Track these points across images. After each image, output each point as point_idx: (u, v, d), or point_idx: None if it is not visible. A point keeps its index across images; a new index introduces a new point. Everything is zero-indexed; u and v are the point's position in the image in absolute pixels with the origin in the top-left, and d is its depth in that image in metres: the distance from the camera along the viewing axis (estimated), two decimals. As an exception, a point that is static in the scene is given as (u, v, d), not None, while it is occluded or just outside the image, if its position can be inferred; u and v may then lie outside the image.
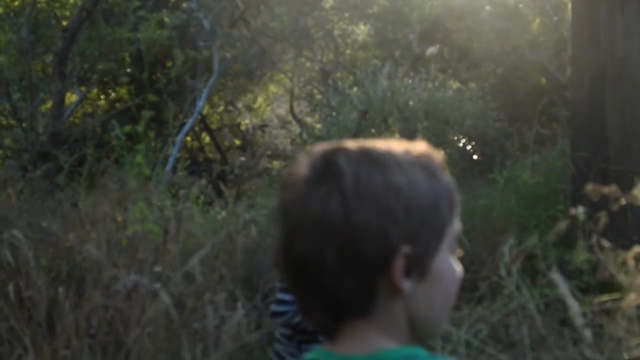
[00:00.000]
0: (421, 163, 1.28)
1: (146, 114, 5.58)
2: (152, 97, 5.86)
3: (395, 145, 1.29)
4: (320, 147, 1.30)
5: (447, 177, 1.30)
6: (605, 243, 1.68)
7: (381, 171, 1.23)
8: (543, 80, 12.04)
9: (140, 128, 5.49)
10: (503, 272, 2.60)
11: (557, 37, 11.17)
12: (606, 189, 1.80)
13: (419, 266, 1.24)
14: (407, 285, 1.23)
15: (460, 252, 1.32)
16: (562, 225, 1.95)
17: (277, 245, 1.30)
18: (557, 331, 2.22)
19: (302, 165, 1.28)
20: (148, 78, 12.28)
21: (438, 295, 1.28)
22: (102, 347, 3.64)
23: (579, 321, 1.48)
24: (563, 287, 1.51)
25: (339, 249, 1.20)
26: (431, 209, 1.25)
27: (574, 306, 1.48)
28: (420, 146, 1.31)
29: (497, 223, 6.92)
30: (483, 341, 2.19)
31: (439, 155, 1.32)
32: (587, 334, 1.51)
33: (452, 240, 1.30)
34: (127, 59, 12.73)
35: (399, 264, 1.21)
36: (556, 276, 1.55)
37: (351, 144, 1.28)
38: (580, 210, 1.91)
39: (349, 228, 1.20)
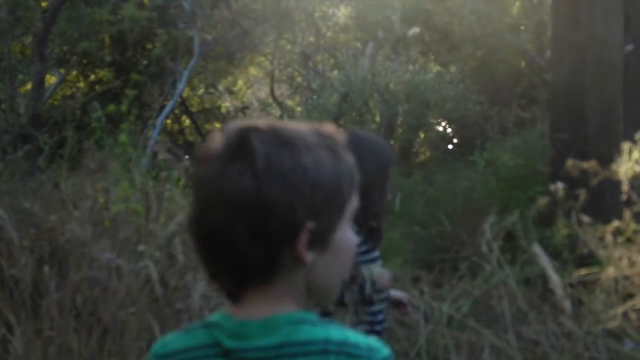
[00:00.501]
0: (327, 144, 1.37)
1: (130, 92, 5.57)
2: (136, 77, 5.83)
3: (303, 126, 1.39)
4: (234, 125, 1.38)
5: (348, 157, 1.40)
6: (585, 218, 1.72)
7: (290, 152, 1.32)
8: (523, 63, 12.09)
9: (123, 107, 5.47)
10: (485, 249, 2.63)
11: (537, 19, 11.21)
12: (586, 165, 1.83)
13: (320, 239, 1.34)
14: (309, 256, 1.33)
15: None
16: (542, 202, 1.99)
17: (190, 215, 1.37)
18: (537, 306, 2.27)
19: (216, 142, 1.36)
20: (129, 59, 12.25)
21: (336, 265, 1.40)
22: (86, 326, 3.65)
23: (559, 292, 1.52)
24: (544, 259, 1.55)
25: (249, 223, 1.29)
26: (334, 188, 1.35)
27: (555, 278, 1.52)
28: (326, 127, 1.42)
29: (477, 204, 6.97)
30: (465, 316, 2.23)
31: (342, 136, 1.42)
32: (567, 304, 1.55)
33: (351, 214, 1.41)
34: (107, 40, 12.66)
35: (303, 238, 1.31)
36: (537, 249, 1.58)
37: (262, 123, 1.37)
38: (559, 186, 1.95)
39: (260, 204, 1.29)
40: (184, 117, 15.97)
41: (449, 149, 11.62)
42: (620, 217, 2.05)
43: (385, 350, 1.37)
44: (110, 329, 3.56)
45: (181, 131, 15.75)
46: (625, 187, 1.78)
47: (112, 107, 5.70)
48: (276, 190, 1.30)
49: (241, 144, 1.33)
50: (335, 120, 11.08)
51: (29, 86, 10.95)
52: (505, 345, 2.01)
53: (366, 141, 3.00)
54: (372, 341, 1.38)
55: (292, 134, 1.36)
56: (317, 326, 1.35)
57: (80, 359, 3.56)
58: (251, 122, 1.37)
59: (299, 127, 1.39)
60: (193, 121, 15.51)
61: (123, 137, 5.61)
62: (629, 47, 5.83)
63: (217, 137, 1.37)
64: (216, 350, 1.35)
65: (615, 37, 5.92)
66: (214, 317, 1.39)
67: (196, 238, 1.37)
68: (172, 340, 1.44)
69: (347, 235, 1.40)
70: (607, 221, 2.13)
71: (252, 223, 1.30)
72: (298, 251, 1.31)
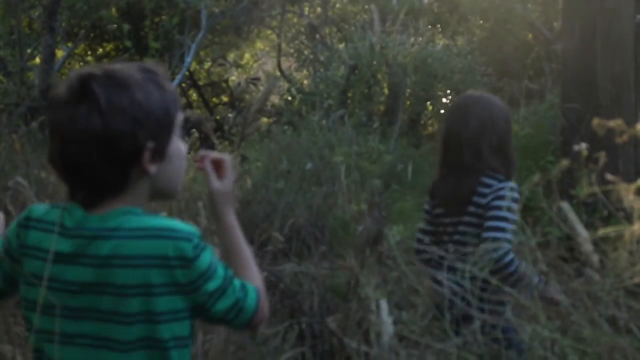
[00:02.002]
0: (152, 79, 1.73)
1: (149, 60, 5.56)
2: (154, 45, 5.82)
3: (130, 67, 1.74)
4: (74, 73, 1.71)
5: (170, 86, 1.77)
6: (609, 177, 1.75)
7: (126, 91, 1.68)
8: (530, 35, 12.07)
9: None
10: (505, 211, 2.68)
11: (546, -10, 11.19)
12: (612, 123, 1.86)
13: (159, 154, 1.73)
14: (152, 169, 1.72)
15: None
16: (564, 163, 2.02)
17: (51, 151, 1.71)
18: (558, 267, 2.30)
19: (62, 90, 1.70)
20: (136, 34, 12.24)
21: (173, 170, 1.79)
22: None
23: (587, 247, 1.56)
24: (571, 214, 1.59)
25: (102, 153, 1.65)
26: (163, 113, 1.73)
27: (583, 232, 1.56)
28: (149, 65, 1.78)
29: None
30: (488, 275, 2.27)
31: (163, 69, 1.79)
32: (595, 258, 1.59)
33: (179, 127, 1.79)
34: (115, 13, 12.66)
35: (146, 156, 1.69)
36: (565, 205, 1.62)
37: (98, 69, 1.71)
38: (583, 147, 1.99)
39: (109, 136, 1.65)
40: (191, 91, 15.97)
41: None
42: (632, 180, 2.08)
43: (198, 234, 1.71)
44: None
45: (189, 105, 15.76)
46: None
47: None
48: (119, 123, 1.65)
49: (84, 90, 1.66)
50: (344, 92, 11.09)
51: (37, 60, 10.97)
52: (528, 304, 2.05)
53: (491, 101, 3.23)
54: (191, 227, 1.71)
55: (125, 76, 1.70)
56: (144, 216, 1.72)
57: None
58: (88, 69, 1.71)
59: (128, 68, 1.74)
60: (200, 95, 15.51)
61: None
62: (639, 17, 5.84)
63: (62, 86, 1.71)
64: (61, 228, 1.72)
65: (625, 7, 5.92)
66: (72, 204, 1.73)
67: (60, 169, 1.72)
68: (37, 209, 1.80)
69: (177, 145, 1.79)
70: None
71: (105, 152, 1.65)
72: (144, 166, 1.70)
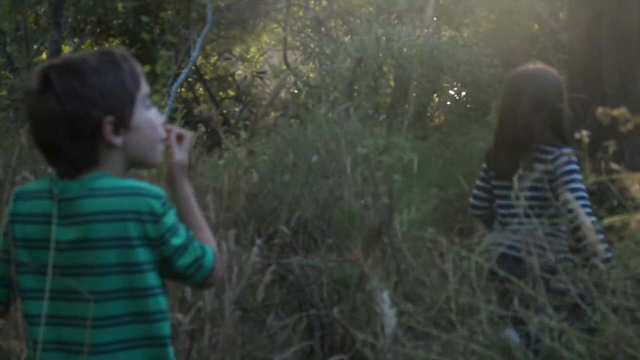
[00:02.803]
0: (109, 60, 1.95)
1: (164, 53, 5.54)
2: (172, 38, 5.83)
3: (89, 53, 1.98)
4: (40, 66, 1.96)
5: (128, 62, 1.99)
6: (614, 166, 1.75)
7: (78, 75, 1.90)
8: (536, 26, 12.03)
9: (159, 68, 5.45)
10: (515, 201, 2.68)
11: (551, -19, 11.15)
12: (616, 112, 1.86)
13: (122, 125, 1.94)
14: (118, 140, 1.94)
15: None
16: (568, 152, 2.03)
17: (29, 130, 1.98)
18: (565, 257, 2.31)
19: (32, 81, 1.93)
20: (142, 29, 12.23)
21: (142, 137, 1.99)
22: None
23: (592, 236, 1.56)
24: (575, 204, 1.59)
25: (66, 132, 1.89)
26: (119, 89, 1.93)
27: (587, 222, 1.56)
28: (107, 48, 2.02)
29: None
30: (494, 266, 2.28)
31: (119, 49, 2.02)
32: (601, 248, 1.59)
33: (145, 99, 2.00)
34: (120, 9, 12.66)
35: (107, 129, 1.91)
36: (568, 195, 1.62)
37: (59, 60, 1.98)
38: (584, 134, 1.99)
39: (66, 117, 1.88)
40: (197, 85, 15.96)
41: (463, 112, 11.59)
42: (638, 169, 2.08)
43: (165, 195, 1.92)
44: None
45: (195, 99, 15.76)
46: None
47: (146, 68, 5.68)
48: (74, 105, 1.88)
49: (43, 79, 1.90)
50: (350, 85, 11.07)
51: (44, 56, 10.99)
52: (535, 294, 2.05)
53: (544, 77, 3.41)
54: (158, 188, 1.92)
55: (79, 61, 1.94)
56: (117, 179, 1.94)
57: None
58: (50, 61, 1.98)
59: (86, 53, 1.98)
60: (207, 89, 15.50)
61: (155, 98, 5.62)
62: (646, 6, 5.83)
63: (33, 76, 1.94)
64: (48, 194, 1.94)
65: (632, -4, 5.91)
66: (56, 176, 1.97)
67: (37, 146, 1.97)
68: (23, 187, 2.07)
69: (143, 116, 1.99)
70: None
71: (68, 131, 1.89)
72: (107, 139, 1.92)
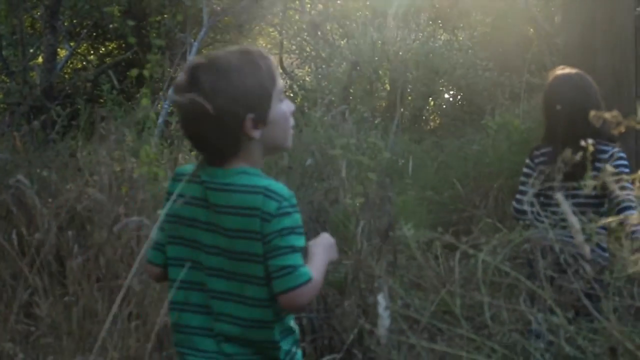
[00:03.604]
0: (249, 59, 2.16)
1: (153, 57, 5.54)
2: (159, 42, 5.82)
3: (230, 52, 2.19)
4: (187, 64, 2.20)
5: (265, 61, 2.20)
6: (610, 169, 1.76)
7: (224, 75, 2.13)
8: (531, 30, 12.05)
9: (146, 72, 5.46)
10: (525, 205, 2.71)
11: (546, -15, 11.17)
12: (607, 115, 1.87)
13: (261, 120, 2.17)
14: (257, 133, 2.17)
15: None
16: (570, 156, 2.05)
17: (179, 123, 2.26)
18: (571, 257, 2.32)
19: (180, 78, 2.16)
20: (138, 32, 12.23)
21: (278, 129, 2.23)
22: (109, 290, 3.71)
23: (579, 238, 1.57)
24: (564, 205, 1.60)
25: (214, 127, 2.12)
26: (258, 88, 2.15)
27: (575, 223, 1.57)
28: (245, 47, 2.23)
29: (488, 169, 7.00)
30: (501, 263, 2.30)
31: (257, 48, 2.24)
32: (587, 249, 1.60)
33: (279, 93, 2.23)
34: (116, 13, 12.64)
35: (248, 125, 2.14)
36: (559, 196, 1.63)
37: (203, 59, 2.17)
38: (589, 142, 2.01)
39: (215, 114, 2.08)
40: (193, 89, 15.94)
41: (458, 115, 11.61)
42: (633, 172, 2.09)
43: (292, 197, 2.11)
44: (132, 292, 3.62)
45: (191, 103, 15.73)
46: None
47: (134, 72, 5.67)
48: (221, 103, 2.09)
49: (191, 78, 2.13)
50: (345, 88, 11.08)
51: (40, 59, 10.98)
52: (541, 291, 2.06)
53: (580, 81, 3.75)
54: (285, 189, 2.12)
55: (223, 61, 2.15)
56: (253, 176, 2.16)
57: (103, 322, 3.62)
58: (196, 60, 2.20)
59: (229, 53, 2.19)
60: (203, 92, 15.49)
61: (145, 101, 5.62)
62: (639, 10, 5.83)
63: (181, 74, 2.17)
64: (199, 179, 2.19)
65: (626, 0, 5.91)
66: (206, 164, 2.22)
67: (187, 139, 2.30)
68: (184, 167, 2.32)
69: (278, 109, 2.22)
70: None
71: (215, 126, 2.12)
72: (248, 133, 2.15)
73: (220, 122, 2.11)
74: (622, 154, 3.40)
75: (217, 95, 2.09)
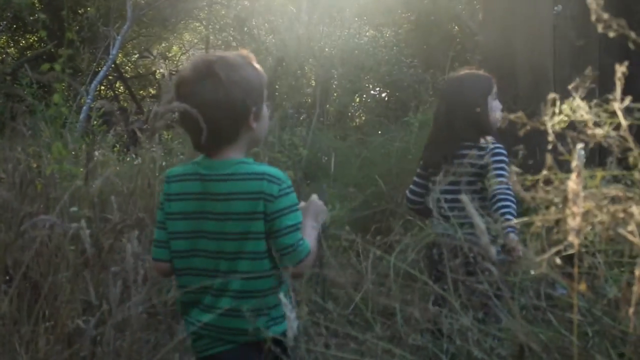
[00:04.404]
0: (248, 62, 2.45)
1: (65, 52, 5.40)
2: (71, 35, 5.67)
3: (233, 54, 2.45)
4: (198, 60, 2.46)
5: (259, 67, 2.48)
6: (515, 169, 1.75)
7: (237, 70, 2.39)
8: (455, 27, 12.17)
9: (58, 66, 5.32)
10: (431, 204, 2.74)
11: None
12: (513, 116, 1.86)
13: (258, 115, 2.43)
14: (254, 125, 2.42)
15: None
16: (473, 154, 2.06)
17: (180, 115, 2.43)
18: (482, 256, 2.31)
19: (187, 70, 2.43)
20: (60, 25, 11.99)
21: (262, 126, 2.50)
22: (18, 290, 3.60)
23: (484, 239, 1.56)
24: (470, 207, 1.59)
25: (224, 115, 2.36)
26: (259, 85, 2.44)
27: (480, 224, 1.56)
28: (244, 52, 2.51)
29: (412, 166, 7.01)
30: (410, 266, 2.29)
31: (251, 54, 2.51)
32: (492, 251, 1.60)
33: (264, 99, 2.49)
34: (37, 4, 12.39)
35: (251, 116, 2.39)
36: (464, 198, 1.62)
37: (213, 56, 2.43)
38: (489, 139, 2.00)
39: (228, 102, 2.34)
40: (118, 84, 15.73)
41: (383, 112, 11.65)
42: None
43: (288, 179, 2.40)
44: (43, 292, 3.52)
45: (115, 97, 15.53)
46: (551, 138, 1.81)
47: (46, 66, 5.51)
48: (236, 94, 2.36)
49: (209, 69, 2.37)
50: (271, 84, 11.02)
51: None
52: (446, 294, 2.05)
53: (468, 77, 3.86)
54: (281, 173, 2.41)
55: (233, 59, 2.42)
56: (251, 164, 2.41)
57: (12, 322, 3.51)
58: (207, 56, 2.47)
59: (232, 54, 2.45)
60: (127, 87, 15.29)
61: (57, 98, 5.48)
62: (557, 9, 5.92)
63: (187, 67, 2.46)
64: (197, 176, 2.44)
65: (545, -1, 6.00)
66: (198, 159, 2.47)
67: (187, 130, 2.46)
68: (175, 169, 2.55)
69: (264, 109, 2.51)
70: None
71: (226, 115, 2.37)
72: (249, 124, 2.40)
73: (232, 110, 2.38)
74: (500, 149, 3.55)
75: (232, 86, 2.37)
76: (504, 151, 3.52)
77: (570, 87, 2.06)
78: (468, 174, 3.48)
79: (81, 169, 4.57)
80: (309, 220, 2.55)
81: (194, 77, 2.39)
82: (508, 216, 3.40)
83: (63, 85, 6.32)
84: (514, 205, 3.44)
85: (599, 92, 2.20)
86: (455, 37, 11.55)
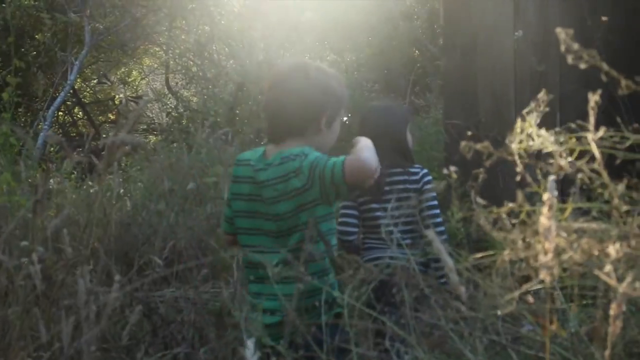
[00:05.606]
0: (339, 79, 2.99)
1: (12, 80, 5.28)
2: (18, 63, 5.53)
3: (322, 66, 2.98)
4: (297, 62, 3.09)
5: (343, 85, 3.01)
6: (479, 201, 1.69)
7: (327, 76, 2.92)
8: (416, 52, 12.17)
9: (5, 95, 5.20)
10: (384, 234, 2.75)
11: (430, 7, 11.30)
12: (479, 145, 1.80)
13: (329, 122, 2.91)
14: (324, 129, 2.87)
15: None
16: (440, 185, 2.02)
17: (265, 101, 3.03)
18: (439, 290, 2.25)
19: (285, 65, 3.17)
20: (16, 49, 11.80)
21: (330, 137, 2.94)
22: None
23: (454, 278, 1.49)
24: (437, 244, 1.52)
25: (300, 105, 2.85)
26: (340, 99, 2.92)
27: (449, 262, 1.49)
28: (327, 68, 3.07)
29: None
30: (366, 304, 2.22)
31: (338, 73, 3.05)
32: (462, 290, 1.53)
33: (340, 115, 2.96)
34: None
35: (323, 118, 2.87)
36: (430, 233, 1.55)
37: (309, 62, 2.99)
38: (452, 170, 1.94)
39: (308, 96, 2.84)
40: (76, 109, 15.52)
41: (345, 136, 11.59)
42: (514, 200, 2.02)
43: (315, 153, 2.80)
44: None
45: (74, 123, 15.31)
46: (519, 166, 1.75)
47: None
48: (317, 93, 2.86)
49: (304, 68, 2.91)
50: (231, 109, 10.93)
51: None
52: (402, 332, 1.97)
53: (388, 108, 4.34)
54: (308, 149, 2.80)
55: (328, 70, 2.99)
56: (284, 152, 2.83)
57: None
58: (303, 61, 3.12)
59: (322, 66, 3.00)
60: (86, 113, 15.08)
61: (4, 128, 5.36)
62: (518, 34, 5.90)
63: (278, 67, 3.26)
64: (249, 162, 2.93)
65: (505, 23, 5.97)
66: (260, 148, 2.99)
67: (266, 119, 3.01)
68: (244, 154, 3.04)
69: (337, 126, 2.96)
70: (501, 205, 2.11)
71: (301, 107, 2.85)
72: (320, 124, 2.87)
73: (307, 104, 2.82)
74: (430, 177, 4.01)
75: (317, 85, 2.83)
76: (431, 177, 4.00)
77: (525, 111, 2.00)
78: (402, 200, 3.77)
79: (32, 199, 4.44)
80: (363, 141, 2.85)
81: (289, 70, 2.92)
82: (443, 237, 3.75)
83: (9, 114, 6.18)
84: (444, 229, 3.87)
85: (560, 117, 2.15)
86: (416, 62, 11.55)
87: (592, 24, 5.37)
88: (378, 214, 3.93)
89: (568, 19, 5.69)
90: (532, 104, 1.73)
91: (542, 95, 1.71)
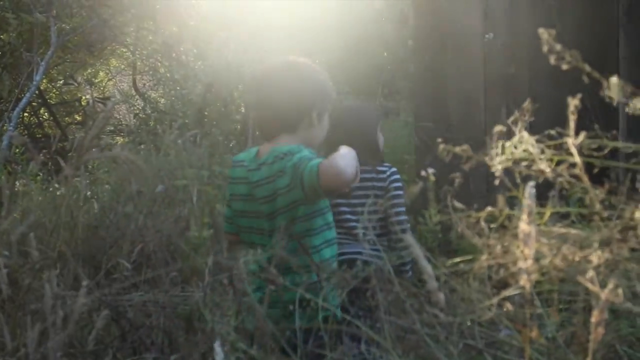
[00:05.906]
0: (326, 74, 3.07)
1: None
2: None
3: (311, 63, 3.11)
4: (287, 60, 3.08)
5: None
6: (457, 204, 1.67)
7: (317, 72, 3.05)
8: (385, 54, 12.18)
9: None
10: (361, 236, 2.74)
11: (400, 9, 11.30)
12: (458, 149, 1.78)
13: (319, 116, 3.00)
14: (315, 122, 2.98)
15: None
16: (415, 188, 2.01)
17: (253, 103, 3.03)
18: (414, 294, 2.22)
19: (276, 62, 3.13)
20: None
21: (320, 131, 3.06)
22: None
23: (432, 284, 1.47)
24: (416, 249, 1.49)
25: (292, 100, 2.95)
26: (329, 94, 3.03)
27: (427, 268, 1.47)
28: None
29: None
30: (341, 307, 2.19)
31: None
32: (441, 296, 1.50)
33: (328, 109, 3.06)
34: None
35: (314, 112, 2.98)
36: (409, 238, 1.52)
37: (300, 59, 3.08)
38: (430, 172, 1.92)
39: (299, 91, 2.95)
40: (42, 110, 15.35)
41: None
42: (484, 205, 2.00)
43: (301, 152, 2.84)
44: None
45: (39, 124, 15.14)
46: (497, 170, 1.72)
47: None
48: (308, 88, 2.97)
49: (293, 64, 3.01)
50: (200, 111, 10.87)
51: None
52: (378, 337, 1.95)
53: (359, 108, 4.51)
54: (306, 151, 2.86)
55: (316, 66, 3.08)
56: (275, 150, 2.93)
57: None
58: (293, 59, 3.09)
59: (312, 64, 3.12)
60: (52, 114, 14.91)
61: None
62: (488, 36, 5.91)
63: (266, 65, 3.22)
64: (244, 163, 3.04)
65: (475, 26, 5.98)
66: (252, 148, 3.11)
67: (257, 117, 3.07)
68: (239, 155, 3.16)
69: (326, 119, 3.06)
70: (471, 209, 2.09)
71: (293, 101, 2.93)
72: (311, 118, 2.96)
73: (299, 99, 2.93)
74: (397, 175, 4.04)
75: (307, 81, 2.95)
76: (399, 175, 4.04)
77: (509, 120, 1.98)
78: (369, 197, 3.87)
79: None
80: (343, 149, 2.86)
81: (278, 67, 3.04)
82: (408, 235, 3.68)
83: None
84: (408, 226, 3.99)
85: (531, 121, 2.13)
86: (385, 63, 11.56)
87: (561, 26, 5.38)
88: (343, 209, 3.99)
89: (537, 21, 5.69)
90: (517, 113, 1.71)
91: (527, 104, 1.69)
